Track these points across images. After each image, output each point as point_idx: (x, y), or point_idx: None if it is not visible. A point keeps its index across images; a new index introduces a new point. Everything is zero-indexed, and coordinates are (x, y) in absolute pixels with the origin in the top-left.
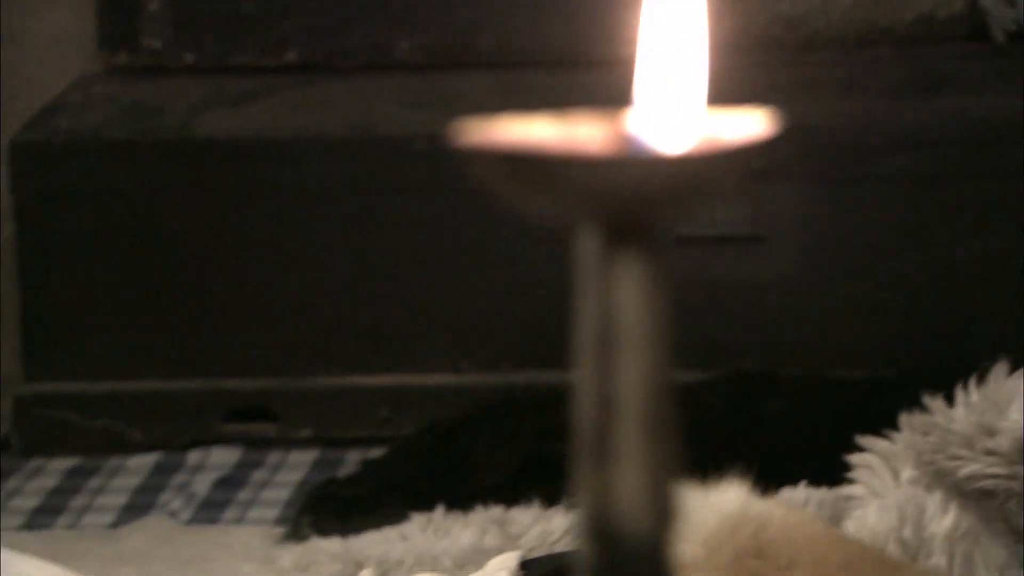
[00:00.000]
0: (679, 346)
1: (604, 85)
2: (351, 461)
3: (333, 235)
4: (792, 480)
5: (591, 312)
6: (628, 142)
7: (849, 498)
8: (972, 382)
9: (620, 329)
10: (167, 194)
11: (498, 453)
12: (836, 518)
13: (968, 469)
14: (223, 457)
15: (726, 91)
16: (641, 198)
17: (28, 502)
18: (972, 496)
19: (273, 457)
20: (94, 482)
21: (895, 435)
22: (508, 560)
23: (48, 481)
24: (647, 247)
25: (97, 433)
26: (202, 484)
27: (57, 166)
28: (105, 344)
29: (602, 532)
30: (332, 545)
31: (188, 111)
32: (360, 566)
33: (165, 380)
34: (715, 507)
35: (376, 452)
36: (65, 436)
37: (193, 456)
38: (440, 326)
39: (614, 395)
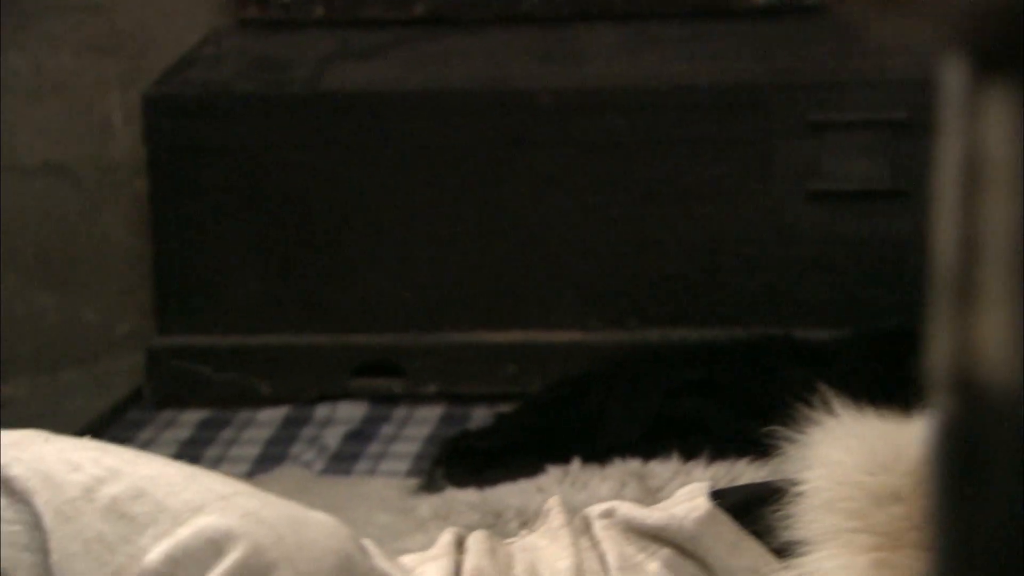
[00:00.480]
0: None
1: (735, 34)
2: (478, 417)
3: (461, 190)
4: None
5: (955, 150)
6: None
7: None
8: None
9: (987, 167)
10: (296, 147)
11: (632, 408)
12: None
13: None
14: (351, 411)
15: None
16: (1015, 22)
17: (163, 451)
18: None
19: (400, 412)
20: (227, 433)
21: None
22: (698, 490)
23: (181, 432)
24: (1019, 77)
25: (227, 386)
26: (332, 437)
27: (189, 119)
28: (236, 298)
29: (962, 384)
30: (469, 496)
31: (317, 64)
32: (499, 516)
33: (294, 334)
34: (908, 439)
35: (502, 408)
36: (196, 389)
37: (321, 410)
38: (567, 283)
39: (979, 237)
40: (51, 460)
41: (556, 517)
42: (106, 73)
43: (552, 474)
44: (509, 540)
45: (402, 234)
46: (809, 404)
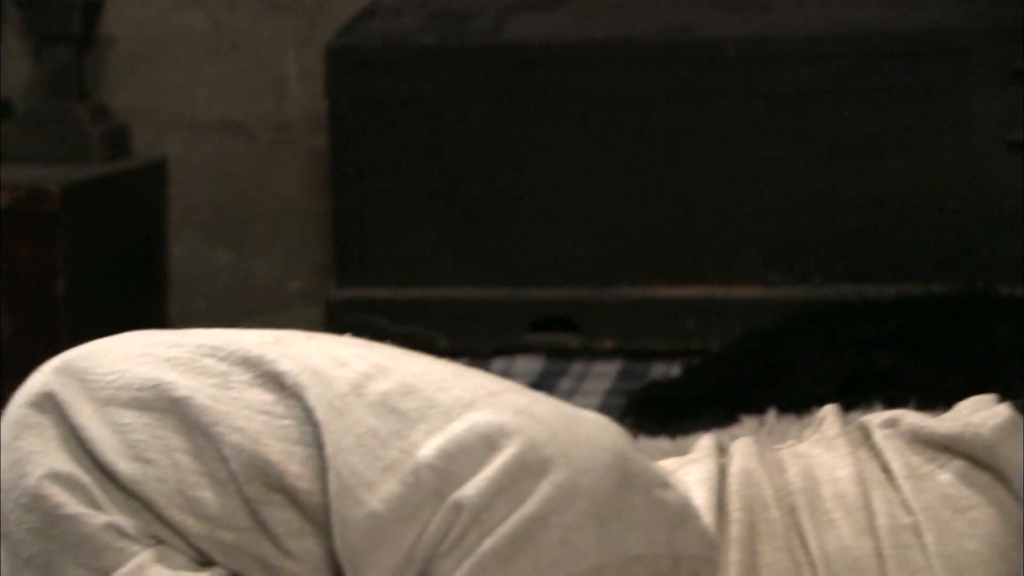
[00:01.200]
0: (1015, 259)
1: None
2: (657, 372)
3: (641, 142)
4: None
5: None
6: None
7: None
8: None
9: None
10: (476, 99)
11: (826, 361)
12: None
13: None
14: (527, 365)
15: None
16: None
17: None
18: None
19: (577, 367)
20: None
21: None
22: (989, 400)
23: None
24: None
25: (405, 339)
26: None
27: (370, 72)
28: (414, 251)
29: None
30: (661, 443)
31: (497, 15)
32: None
33: (471, 288)
34: None
35: (679, 364)
36: (373, 341)
37: (497, 364)
38: (749, 237)
39: None
40: (317, 357)
41: (831, 426)
42: (283, 31)
43: (747, 424)
44: (777, 446)
45: (581, 187)
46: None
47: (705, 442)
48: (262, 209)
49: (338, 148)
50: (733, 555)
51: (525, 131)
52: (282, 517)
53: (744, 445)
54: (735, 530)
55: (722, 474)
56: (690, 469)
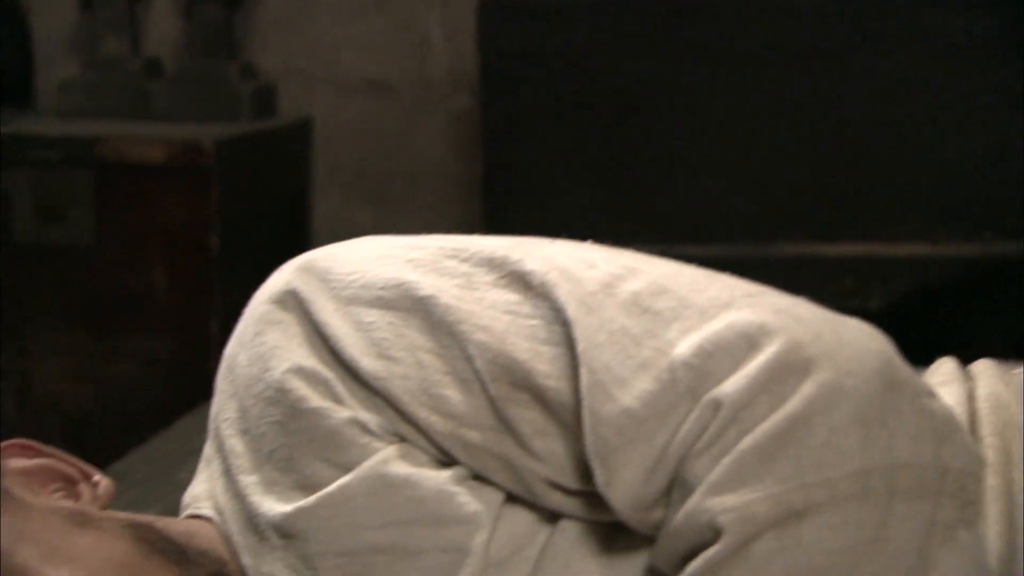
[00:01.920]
0: None
1: None
2: None
3: (801, 93)
4: None
5: None
6: None
7: None
8: None
9: None
10: (630, 50)
11: (1004, 320)
12: None
13: None
14: None
15: None
16: None
17: None
18: None
19: None
20: None
21: None
22: None
23: None
24: None
25: None
26: None
27: (522, 24)
28: (566, 209)
29: None
30: None
31: None
32: None
33: (623, 244)
34: None
35: None
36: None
37: None
38: (914, 193)
39: None
40: (564, 258)
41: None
42: None
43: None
44: (1016, 371)
45: (737, 140)
46: None
47: (948, 366)
48: (405, 169)
49: (489, 104)
50: (989, 480)
51: (683, 83)
52: (528, 416)
53: (987, 367)
54: (989, 455)
55: (970, 397)
56: (939, 392)
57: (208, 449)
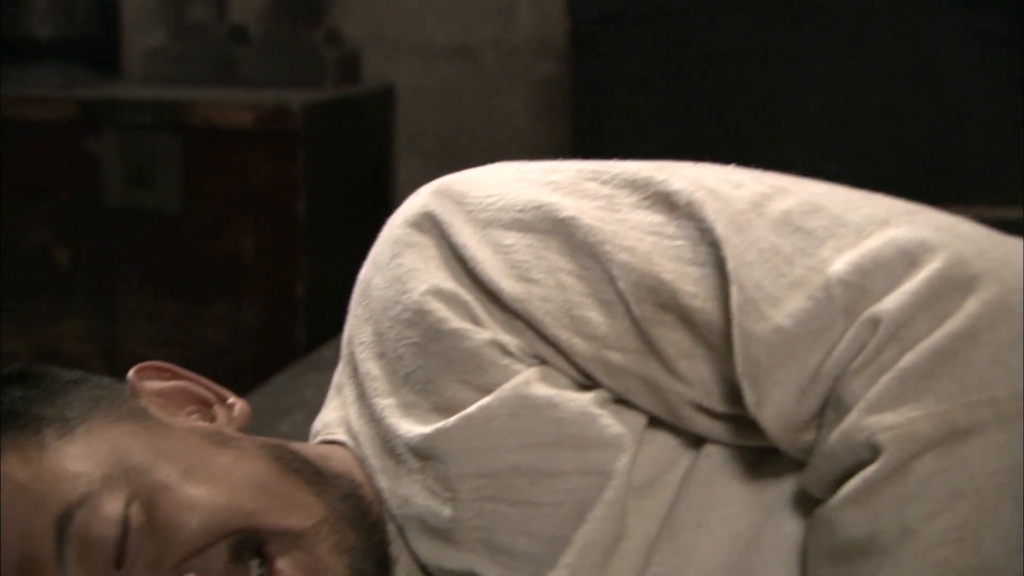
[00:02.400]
0: None
1: None
2: None
3: (896, 56)
4: None
5: None
6: None
7: None
8: None
9: None
10: (723, 11)
11: None
12: None
13: None
14: None
15: None
16: None
17: None
18: None
19: None
20: None
21: None
22: None
23: None
24: None
25: None
26: None
27: None
28: None
29: None
30: None
31: None
32: None
33: None
34: None
35: None
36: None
37: None
38: (1015, 156)
39: None
40: (710, 177)
41: None
42: None
43: None
44: None
45: (830, 104)
46: None
47: None
48: (488, 136)
49: (578, 69)
50: None
51: (775, 48)
52: (673, 338)
53: None
54: None
55: None
56: None
57: (339, 376)
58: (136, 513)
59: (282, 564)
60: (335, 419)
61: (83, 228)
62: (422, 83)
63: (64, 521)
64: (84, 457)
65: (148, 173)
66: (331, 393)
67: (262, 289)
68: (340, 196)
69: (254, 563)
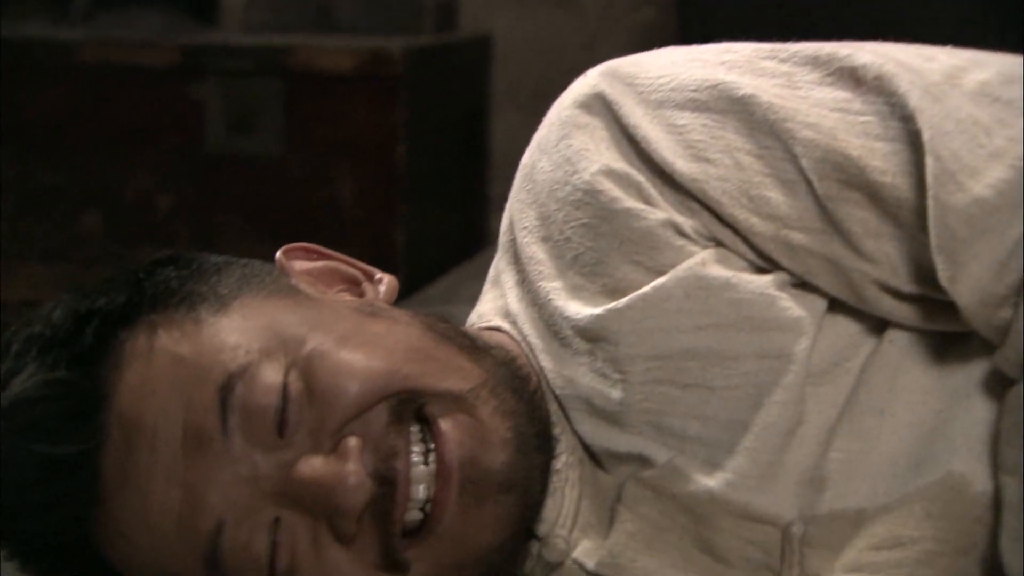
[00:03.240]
0: None
1: None
2: None
3: (994, 26)
4: None
5: None
6: None
7: None
8: None
9: None
10: None
11: None
12: None
13: None
14: None
15: None
16: None
17: None
18: None
19: None
20: None
21: None
22: None
23: None
24: None
25: None
26: None
27: None
28: None
29: None
30: None
31: None
32: None
33: None
34: None
35: None
36: None
37: None
38: None
39: None
40: (897, 51)
41: None
42: None
43: None
44: None
45: None
46: None
47: None
48: None
49: (684, 16)
50: None
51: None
52: (859, 216)
53: None
54: None
55: None
56: None
57: (494, 269)
58: (295, 381)
59: (445, 425)
60: (491, 309)
61: (185, 174)
62: (520, 31)
63: (227, 391)
64: (241, 330)
65: (249, 119)
66: (486, 287)
67: (361, 236)
68: (438, 145)
69: (414, 428)
